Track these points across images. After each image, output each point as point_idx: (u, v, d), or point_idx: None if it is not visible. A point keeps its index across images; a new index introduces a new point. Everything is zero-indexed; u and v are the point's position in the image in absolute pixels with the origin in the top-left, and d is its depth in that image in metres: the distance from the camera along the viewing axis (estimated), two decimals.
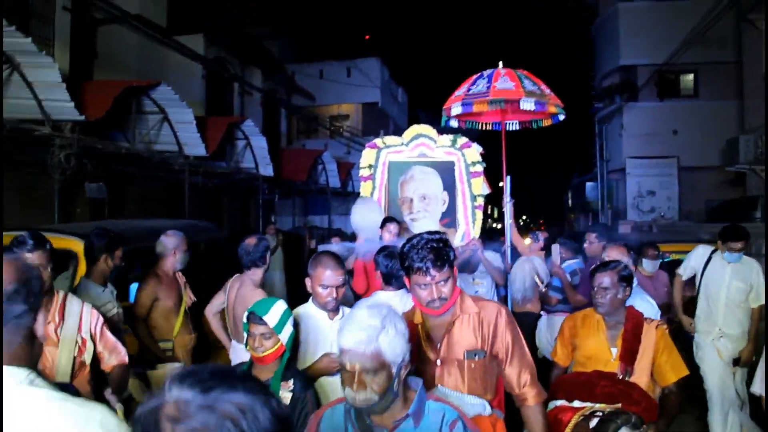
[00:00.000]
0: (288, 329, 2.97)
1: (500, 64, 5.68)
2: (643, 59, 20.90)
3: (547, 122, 6.11)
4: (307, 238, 14.37)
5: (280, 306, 3.00)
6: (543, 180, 43.90)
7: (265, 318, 2.91)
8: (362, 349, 2.00)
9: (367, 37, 34.25)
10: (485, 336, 2.74)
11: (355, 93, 27.74)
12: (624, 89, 21.73)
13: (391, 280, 4.03)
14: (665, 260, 8.35)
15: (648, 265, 6.41)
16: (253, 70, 21.95)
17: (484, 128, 6.44)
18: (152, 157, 10.62)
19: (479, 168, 6.74)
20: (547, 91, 5.55)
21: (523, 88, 5.34)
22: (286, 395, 2.84)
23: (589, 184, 26.82)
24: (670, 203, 21.13)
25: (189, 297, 5.06)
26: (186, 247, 4.98)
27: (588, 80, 26.09)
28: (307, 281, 3.39)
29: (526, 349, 2.84)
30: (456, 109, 5.65)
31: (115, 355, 3.53)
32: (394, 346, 2.03)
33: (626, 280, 3.47)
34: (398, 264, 4.00)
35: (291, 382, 2.89)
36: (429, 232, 2.72)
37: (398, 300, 3.93)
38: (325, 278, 3.29)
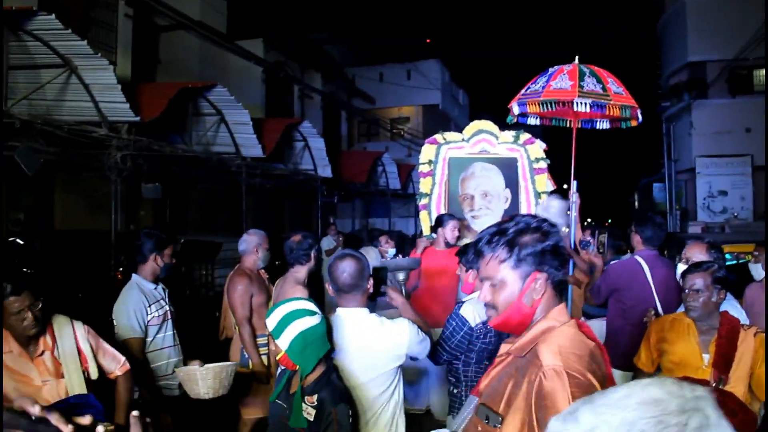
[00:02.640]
0: (288, 335, 2.61)
1: (576, 59, 5.35)
2: (713, 55, 20.15)
3: (633, 123, 5.66)
4: (367, 240, 14.29)
5: (286, 307, 2.68)
6: (609, 181, 42.82)
7: (267, 320, 2.68)
8: None
9: (428, 41, 34.10)
10: (511, 396, 1.74)
11: (416, 95, 27.65)
12: (693, 86, 21.03)
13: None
14: (740, 262, 7.76)
15: (754, 271, 4.94)
16: (312, 74, 22.10)
17: (570, 126, 6.02)
18: (209, 158, 10.72)
19: (543, 165, 6.61)
20: (616, 89, 5.15)
21: (579, 88, 5.00)
22: (309, 410, 2.61)
23: (656, 185, 26.08)
24: (744, 203, 20.26)
25: (274, 292, 5.05)
26: (268, 246, 5.03)
27: (655, 78, 25.31)
28: (328, 286, 3.12)
29: None
30: (515, 109, 5.43)
31: (116, 363, 3.42)
32: None
33: (721, 282, 3.18)
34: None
35: (316, 396, 2.60)
36: (529, 215, 1.90)
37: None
38: None
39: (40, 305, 3.01)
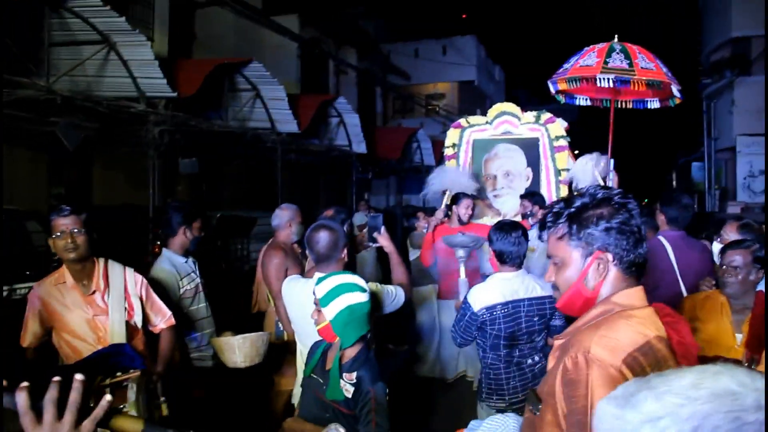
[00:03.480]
0: (336, 306, 2.56)
1: (615, 38, 5.26)
2: (758, 30, 19.42)
3: (677, 100, 5.50)
4: (401, 216, 14.32)
5: (338, 279, 2.63)
6: (647, 159, 41.98)
7: (316, 288, 2.64)
8: None
9: (464, 16, 33.67)
10: (552, 382, 1.60)
11: (451, 71, 27.40)
12: (735, 63, 20.29)
13: (504, 258, 3.55)
14: None
15: None
16: (348, 50, 22.04)
17: (625, 106, 5.86)
18: (245, 133, 10.80)
19: (563, 143, 6.76)
20: (645, 65, 4.99)
21: (604, 65, 4.91)
22: (348, 387, 2.55)
23: (695, 164, 25.41)
24: None
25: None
26: (301, 219, 5.03)
27: (695, 54, 24.59)
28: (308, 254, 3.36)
29: None
30: (551, 88, 5.42)
31: (161, 317, 3.54)
32: None
33: (760, 261, 3.13)
34: (513, 239, 3.53)
35: (355, 374, 2.54)
36: (598, 186, 1.71)
37: (519, 282, 3.53)
38: None
39: (84, 235, 3.16)
